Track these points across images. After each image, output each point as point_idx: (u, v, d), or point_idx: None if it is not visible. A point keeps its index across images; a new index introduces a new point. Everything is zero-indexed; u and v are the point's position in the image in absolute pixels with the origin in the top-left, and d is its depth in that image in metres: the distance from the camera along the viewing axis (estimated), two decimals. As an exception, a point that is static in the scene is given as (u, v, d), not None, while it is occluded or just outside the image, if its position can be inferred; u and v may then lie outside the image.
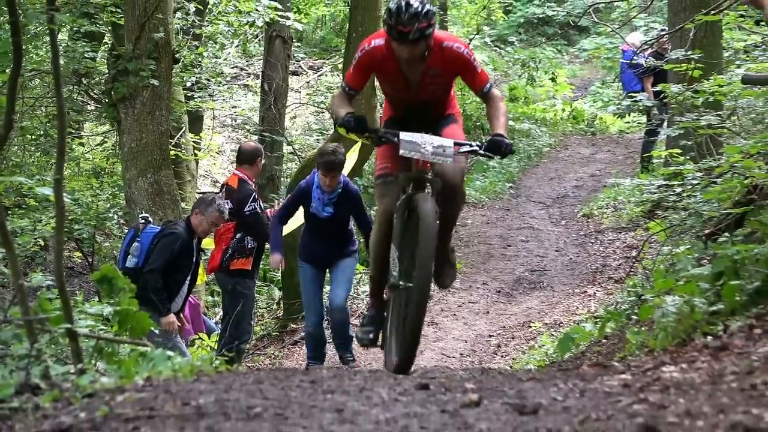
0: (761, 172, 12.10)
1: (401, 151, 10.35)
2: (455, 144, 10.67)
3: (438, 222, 10.69)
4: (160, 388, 8.85)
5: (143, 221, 17.05)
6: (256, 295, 19.36)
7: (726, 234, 12.32)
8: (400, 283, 10.58)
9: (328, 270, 17.03)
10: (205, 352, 12.40)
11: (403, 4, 10.16)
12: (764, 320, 10.02)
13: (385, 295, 11.78)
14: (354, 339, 16.39)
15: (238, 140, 31.97)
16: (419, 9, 10.25)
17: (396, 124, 11.32)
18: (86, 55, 24.12)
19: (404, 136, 10.37)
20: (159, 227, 16.49)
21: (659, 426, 6.50)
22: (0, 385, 8.76)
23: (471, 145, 11.13)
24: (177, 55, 21.22)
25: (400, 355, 10.58)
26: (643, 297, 12.60)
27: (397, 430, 6.74)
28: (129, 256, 16.03)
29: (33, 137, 24.56)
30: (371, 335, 11.43)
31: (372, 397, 8.32)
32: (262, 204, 18.02)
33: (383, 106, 12.33)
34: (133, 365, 10.42)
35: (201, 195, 19.64)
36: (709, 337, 10.06)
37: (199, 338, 16.15)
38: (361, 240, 17.80)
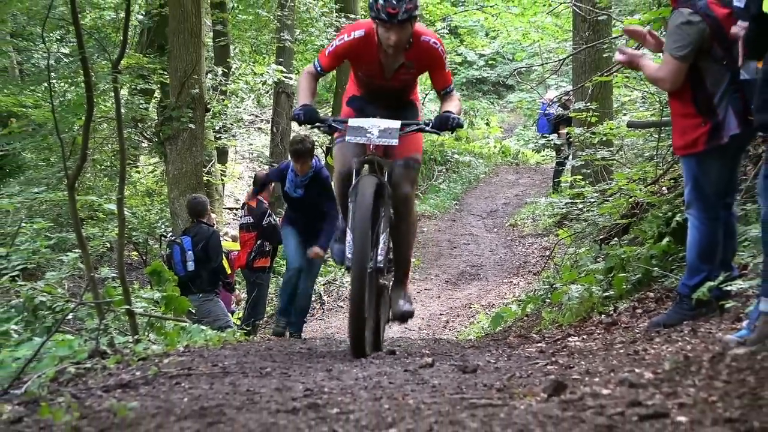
0: (641, 193, 12.13)
1: (347, 138, 8.96)
2: (402, 125, 9.08)
3: (385, 204, 9.25)
4: (196, 353, 9.04)
5: (171, 236, 17.21)
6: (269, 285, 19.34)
7: (615, 239, 12.33)
8: (350, 264, 9.01)
9: (305, 238, 15.51)
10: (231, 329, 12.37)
11: None
12: (644, 303, 10.10)
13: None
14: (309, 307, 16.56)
15: (253, 169, 31.79)
16: None
17: (359, 101, 9.84)
18: (141, 106, 24.10)
19: (352, 122, 8.98)
20: (192, 233, 16.44)
21: (566, 381, 6.50)
22: (77, 351, 8.88)
23: (418, 124, 9.44)
24: (208, 106, 21.19)
25: (348, 336, 9.15)
26: (554, 285, 12.61)
27: (372, 384, 6.95)
28: (188, 263, 16.06)
29: (101, 167, 24.45)
30: (340, 255, 9.75)
31: (353, 360, 9.04)
32: (274, 217, 17.98)
33: (348, 83, 10.50)
34: (175, 336, 10.57)
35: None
36: (603, 316, 10.18)
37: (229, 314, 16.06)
38: None
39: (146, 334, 10.73)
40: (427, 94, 26.89)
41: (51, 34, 19.30)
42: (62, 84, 21.00)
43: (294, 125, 33.83)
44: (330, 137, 10.84)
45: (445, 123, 9.10)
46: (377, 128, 8.74)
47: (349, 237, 9.10)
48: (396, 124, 8.85)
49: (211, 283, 16.84)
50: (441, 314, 21.88)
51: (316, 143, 20.43)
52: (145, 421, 5.51)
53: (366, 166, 9.22)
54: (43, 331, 9.99)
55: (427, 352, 9.55)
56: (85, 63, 12.51)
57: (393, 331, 18.37)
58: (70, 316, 11.18)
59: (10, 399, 6.74)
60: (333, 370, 7.67)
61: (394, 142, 8.80)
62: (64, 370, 7.93)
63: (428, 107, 31.04)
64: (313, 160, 15.32)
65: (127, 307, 10.94)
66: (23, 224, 16.28)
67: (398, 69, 9.35)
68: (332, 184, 10.56)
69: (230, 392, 6.53)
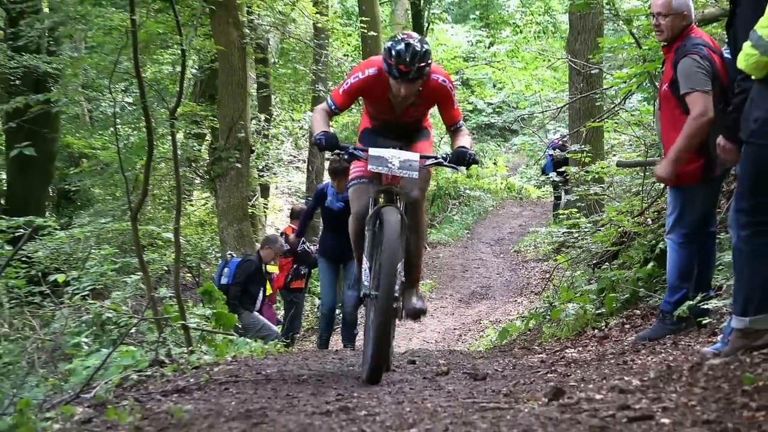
0: (628, 223, 12.11)
1: (369, 167, 7.97)
2: (421, 157, 8.13)
3: (403, 235, 8.04)
4: (242, 362, 9.04)
5: (230, 256, 17.25)
6: (304, 303, 19.30)
7: (606, 263, 12.33)
8: (372, 292, 7.97)
9: (342, 266, 14.93)
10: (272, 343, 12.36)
11: (404, 45, 7.77)
12: (632, 319, 10.08)
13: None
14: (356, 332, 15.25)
15: (291, 203, 31.85)
16: (419, 50, 7.80)
17: (373, 134, 8.84)
18: (194, 148, 24.21)
19: (373, 152, 7.96)
20: (240, 258, 16.57)
21: (564, 388, 6.50)
22: (139, 360, 8.94)
23: (436, 158, 8.41)
24: (252, 148, 21.26)
25: (369, 363, 7.66)
26: (553, 304, 12.54)
27: (395, 390, 7.22)
28: (222, 277, 16.19)
29: (160, 200, 24.52)
30: (356, 300, 8.99)
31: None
32: (308, 244, 17.95)
33: (362, 116, 9.52)
34: (224, 348, 10.55)
35: (266, 236, 19.53)
36: (596, 330, 10.17)
37: None
38: None
39: (199, 345, 10.74)
40: (442, 138, 26.91)
41: (117, 86, 19.34)
42: (126, 129, 21.09)
43: (326, 165, 34.36)
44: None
45: (462, 158, 8.16)
46: (398, 159, 7.80)
47: (365, 265, 8.26)
48: (415, 156, 7.92)
49: (233, 299, 16.62)
50: (455, 329, 21.83)
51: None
52: (198, 422, 5.56)
53: (382, 195, 8.21)
54: (109, 343, 10.01)
55: (443, 362, 9.52)
56: (146, 111, 12.57)
57: (412, 343, 18.38)
58: (133, 330, 11.19)
59: (81, 402, 6.77)
60: (362, 378, 7.70)
61: (415, 174, 7.84)
62: (128, 377, 7.97)
63: (443, 148, 31.08)
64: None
65: (183, 322, 10.96)
66: (92, 250, 16.31)
67: (408, 107, 8.43)
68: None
69: (272, 397, 6.59)
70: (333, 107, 8.37)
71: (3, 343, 10.90)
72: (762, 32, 6.04)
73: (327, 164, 16.60)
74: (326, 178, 32.14)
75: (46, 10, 23.03)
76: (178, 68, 15.33)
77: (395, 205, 7.99)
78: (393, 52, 7.70)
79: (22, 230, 13.25)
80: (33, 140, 23.06)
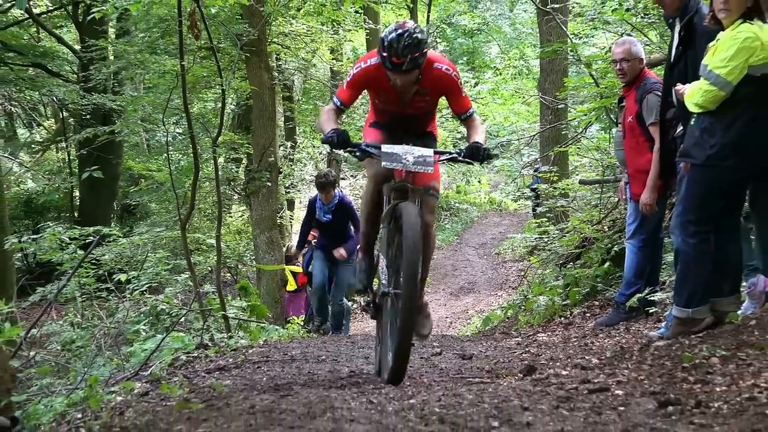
0: (589, 230, 12.09)
1: (383, 163, 6.59)
2: (435, 152, 6.80)
3: (422, 232, 6.51)
4: (272, 345, 9.05)
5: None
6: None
7: (571, 263, 12.32)
8: (390, 290, 6.69)
9: (333, 268, 14.23)
10: (296, 326, 12.26)
11: (396, 36, 6.50)
12: (591, 309, 10.09)
13: (375, 252, 7.51)
14: (347, 309, 14.69)
15: None
16: (412, 41, 6.50)
17: (379, 128, 7.33)
18: (233, 170, 24.17)
19: (385, 148, 6.65)
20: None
21: (536, 365, 6.49)
22: (187, 344, 9.02)
23: (450, 153, 7.06)
24: (281, 169, 21.24)
25: (393, 363, 6.29)
26: (527, 296, 12.54)
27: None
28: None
29: (204, 213, 24.50)
30: (362, 284, 7.46)
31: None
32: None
33: (368, 112, 8.02)
34: (257, 334, 10.59)
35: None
36: (562, 318, 10.15)
37: (295, 318, 15.87)
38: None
39: (236, 332, 10.76)
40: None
41: (169, 119, 19.34)
42: (177, 154, 21.07)
43: (343, 185, 33.78)
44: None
45: (476, 153, 6.75)
46: (411, 155, 6.45)
47: (382, 262, 6.83)
48: (429, 151, 6.59)
49: None
50: (446, 317, 21.86)
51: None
52: (235, 395, 5.56)
53: (394, 192, 6.79)
54: (163, 330, 10.01)
55: (436, 344, 9.51)
56: (193, 140, 12.59)
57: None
58: (182, 320, 11.21)
59: (139, 378, 6.78)
60: (369, 357, 7.68)
61: (430, 169, 6.53)
62: (178, 358, 7.99)
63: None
64: (336, 191, 14.19)
65: (223, 312, 10.99)
66: (149, 254, 16.30)
67: (413, 97, 6.92)
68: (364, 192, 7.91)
69: (296, 373, 6.58)
70: (339, 104, 6.91)
71: (76, 330, 10.93)
72: (719, 71, 6.05)
73: (315, 178, 15.53)
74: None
75: (112, 57, 23.07)
76: (219, 105, 15.30)
77: (412, 201, 6.49)
78: (386, 43, 6.39)
79: (91, 238, 13.25)
80: (100, 164, 23.12)
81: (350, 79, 6.79)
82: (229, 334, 10.49)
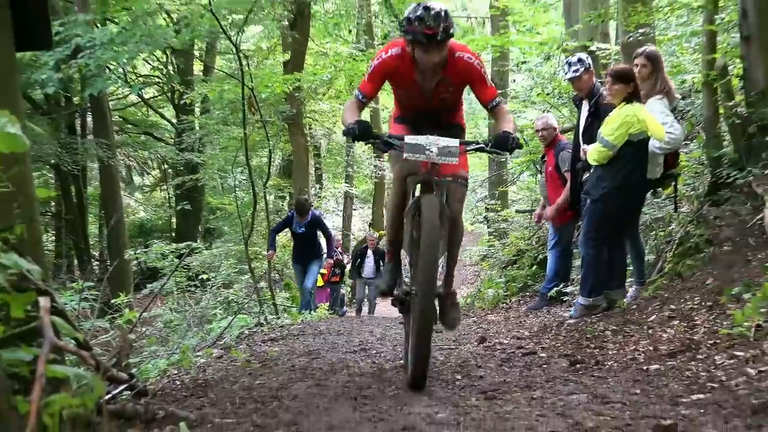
0: (522, 245, 12.08)
1: (405, 155, 4.55)
2: (461, 143, 4.67)
3: (444, 228, 4.66)
4: (306, 324, 9.00)
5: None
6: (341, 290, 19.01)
7: (510, 266, 12.28)
8: (413, 288, 4.60)
9: (306, 267, 12.21)
10: (322, 310, 12.22)
11: (423, 9, 4.49)
12: (524, 298, 10.00)
13: (402, 255, 5.10)
14: (314, 304, 12.49)
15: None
16: (440, 10, 4.49)
17: (405, 122, 5.14)
18: (279, 204, 24.18)
19: (408, 139, 4.59)
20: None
21: (487, 336, 6.46)
22: (248, 323, 8.84)
23: (477, 143, 4.83)
24: (312, 204, 21.22)
25: (411, 367, 4.26)
26: (480, 289, 12.46)
27: (392, 339, 6.99)
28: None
29: (261, 233, 24.53)
30: (386, 285, 5.23)
31: (381, 324, 8.79)
32: (342, 256, 17.78)
33: (393, 107, 5.67)
34: (297, 316, 10.45)
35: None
36: (504, 304, 10.04)
37: (321, 305, 15.81)
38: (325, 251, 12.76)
39: (282, 314, 10.75)
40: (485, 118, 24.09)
41: (236, 169, 19.37)
42: (241, 193, 21.11)
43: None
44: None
45: (504, 142, 4.56)
46: (436, 146, 4.44)
47: (406, 260, 4.90)
48: (455, 142, 4.51)
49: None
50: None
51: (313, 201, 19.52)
52: (282, 357, 5.55)
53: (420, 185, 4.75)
54: (232, 313, 10.01)
55: None
56: (252, 183, 12.65)
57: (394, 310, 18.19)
58: (245, 306, 11.22)
59: (216, 347, 6.77)
60: (374, 332, 7.65)
61: (455, 160, 4.47)
62: (242, 333, 7.96)
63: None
64: (311, 211, 12.41)
65: (273, 301, 11.00)
66: (222, 261, 16.28)
67: (436, 87, 4.80)
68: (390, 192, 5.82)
69: (323, 343, 6.56)
70: (361, 97, 4.78)
71: (173, 313, 10.96)
72: (608, 138, 6.15)
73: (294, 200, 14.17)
74: (354, 225, 31.92)
75: (197, 127, 23.15)
76: (269, 159, 15.35)
77: (436, 194, 4.53)
78: (414, 18, 4.36)
79: (184, 250, 13.28)
80: (190, 200, 23.24)
81: (371, 70, 4.76)
82: (277, 316, 10.50)
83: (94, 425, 2.22)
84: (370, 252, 16.70)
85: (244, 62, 13.20)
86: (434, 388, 4.11)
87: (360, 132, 4.30)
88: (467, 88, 4.91)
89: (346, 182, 29.53)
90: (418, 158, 4.30)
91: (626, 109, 6.18)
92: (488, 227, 23.79)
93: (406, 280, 4.68)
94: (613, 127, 6.19)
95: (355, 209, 31.59)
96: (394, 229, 4.89)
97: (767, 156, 6.49)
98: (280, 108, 18.69)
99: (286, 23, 18.26)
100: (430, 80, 4.64)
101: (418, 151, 4.29)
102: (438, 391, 4.01)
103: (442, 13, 4.26)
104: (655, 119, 6.16)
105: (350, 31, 24.36)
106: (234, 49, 13.93)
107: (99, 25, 14.84)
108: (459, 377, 4.41)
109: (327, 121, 26.79)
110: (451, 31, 4.34)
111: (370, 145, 4.52)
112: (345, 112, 4.59)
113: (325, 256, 12.61)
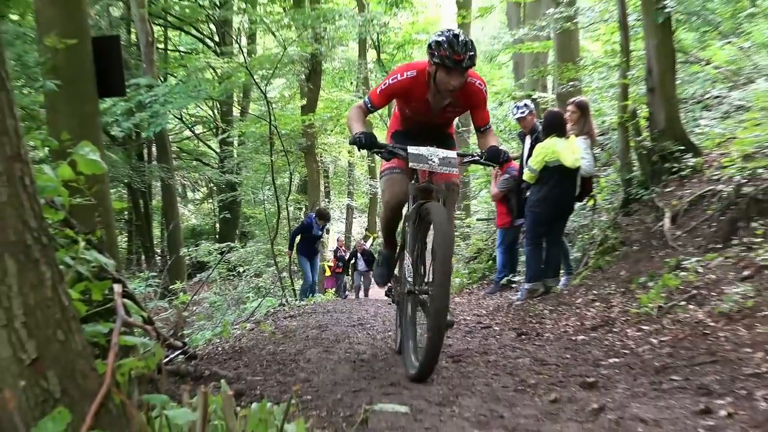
0: (481, 244, 12.04)
1: (410, 164, 3.68)
2: (458, 155, 3.85)
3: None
4: (318, 304, 8.86)
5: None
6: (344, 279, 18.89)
7: (472, 261, 12.21)
8: (416, 288, 3.64)
9: (312, 260, 11.78)
10: (330, 294, 12.19)
11: (452, 35, 3.65)
12: (482, 285, 9.92)
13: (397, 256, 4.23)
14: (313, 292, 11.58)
15: (336, 239, 31.48)
16: (467, 39, 3.68)
17: (402, 137, 4.18)
18: (297, 213, 24.06)
19: (412, 149, 3.70)
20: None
21: (453, 314, 6.41)
22: (274, 303, 8.71)
23: (473, 155, 3.97)
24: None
25: (422, 362, 3.18)
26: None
27: (382, 315, 6.47)
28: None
29: (283, 236, 24.45)
30: (381, 278, 4.37)
31: (374, 305, 8.28)
32: (344, 253, 17.71)
33: (391, 119, 4.57)
34: (311, 299, 10.29)
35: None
36: (467, 290, 9.96)
37: (329, 290, 15.69)
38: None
39: (303, 299, 10.71)
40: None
41: (264, 187, 19.31)
42: (268, 205, 21.02)
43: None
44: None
45: (497, 155, 3.82)
46: (437, 156, 3.67)
47: (407, 260, 3.83)
48: (453, 153, 3.75)
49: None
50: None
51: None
52: (299, 330, 5.53)
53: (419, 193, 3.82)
54: (261, 296, 9.96)
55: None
56: (277, 198, 12.60)
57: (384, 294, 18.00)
58: (271, 290, 11.15)
59: (249, 321, 6.73)
60: (368, 311, 7.57)
61: (455, 170, 3.72)
62: (269, 311, 7.91)
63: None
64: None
65: (292, 287, 10.91)
66: (254, 257, 16.21)
67: (444, 108, 3.97)
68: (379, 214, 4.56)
69: (330, 319, 6.50)
70: (369, 105, 3.89)
71: (217, 296, 10.88)
72: (532, 164, 6.26)
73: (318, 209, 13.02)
74: (354, 230, 31.64)
75: (235, 154, 23.05)
76: (289, 180, 15.31)
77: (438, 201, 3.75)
78: (445, 43, 3.58)
79: (225, 248, 13.22)
80: (229, 210, 23.14)
81: (385, 87, 3.82)
82: (295, 298, 10.44)
83: (155, 382, 2.21)
84: (359, 254, 16.87)
85: (270, 106, 13.24)
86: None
87: (366, 142, 3.60)
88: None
89: (348, 197, 29.45)
90: (422, 167, 3.58)
91: (546, 143, 6.28)
92: (455, 231, 23.71)
93: (409, 279, 3.66)
94: (535, 156, 6.34)
95: (355, 217, 31.40)
96: (387, 237, 4.13)
97: (666, 178, 6.54)
98: (298, 141, 18.71)
99: (303, 77, 18.33)
100: (441, 101, 3.83)
101: (421, 160, 3.57)
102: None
103: (470, 43, 3.59)
104: (569, 151, 6.21)
105: (352, 83, 24.53)
106: (263, 96, 13.97)
107: (162, 78, 14.94)
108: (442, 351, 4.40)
109: (334, 151, 26.77)
110: (475, 60, 3.62)
111: (374, 153, 3.71)
112: (351, 119, 3.79)
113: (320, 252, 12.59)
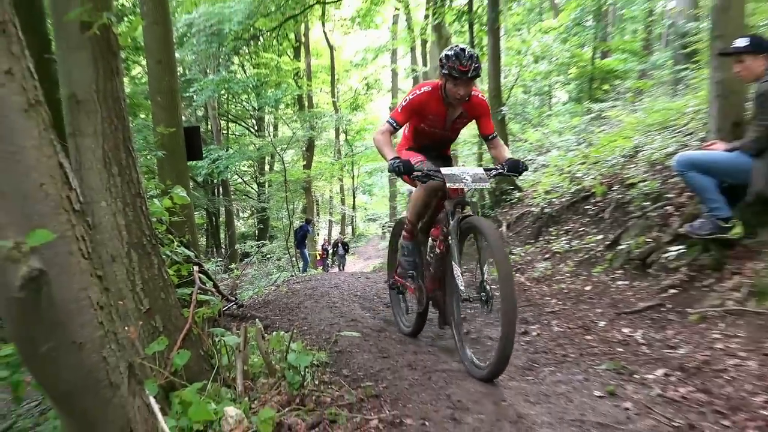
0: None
1: (448, 184, 2.23)
2: (485, 170, 2.31)
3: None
4: (312, 276, 7.63)
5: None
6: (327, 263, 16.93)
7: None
8: (471, 296, 2.14)
9: (302, 251, 11.14)
10: (320, 271, 11.87)
11: (459, 49, 2.39)
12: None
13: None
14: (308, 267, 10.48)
15: (324, 238, 28.00)
16: (473, 53, 2.38)
17: (416, 152, 2.65)
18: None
19: (445, 170, 2.26)
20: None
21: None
22: (287, 276, 7.97)
23: (497, 169, 2.33)
24: (315, 220, 20.50)
25: (496, 362, 1.89)
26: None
27: (380, 291, 4.67)
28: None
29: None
30: (411, 266, 2.73)
31: (347, 277, 6.56)
32: (327, 246, 16.93)
33: (403, 136, 2.69)
34: (318, 272, 9.46)
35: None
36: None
37: (318, 268, 15.12)
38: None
39: (304, 272, 10.59)
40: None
41: (282, 210, 19.21)
42: (285, 221, 20.67)
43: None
44: None
45: (517, 166, 2.37)
46: (468, 174, 2.29)
47: (456, 270, 2.25)
48: (481, 170, 2.35)
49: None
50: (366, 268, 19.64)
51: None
52: (301, 290, 5.10)
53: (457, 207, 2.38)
54: (279, 272, 9.87)
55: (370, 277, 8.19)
56: (289, 215, 12.51)
57: (356, 268, 14.59)
58: (285, 267, 11.00)
59: (273, 285, 6.30)
60: (344, 280, 6.37)
61: (487, 185, 2.30)
62: (285, 280, 7.45)
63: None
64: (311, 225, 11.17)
65: (298, 266, 10.70)
66: (276, 249, 16.11)
67: (456, 119, 2.63)
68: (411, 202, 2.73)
69: (319, 284, 5.77)
70: (395, 124, 2.54)
71: (255, 271, 10.61)
72: None
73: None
74: (332, 233, 28.15)
75: (267, 191, 22.24)
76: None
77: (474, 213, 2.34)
78: (452, 56, 2.45)
79: (260, 244, 13.07)
80: (263, 223, 22.55)
81: (405, 103, 2.60)
82: (302, 273, 10.48)
83: (218, 321, 2.29)
84: (340, 244, 16.36)
85: (284, 165, 14.21)
86: (371, 303, 3.95)
87: (404, 169, 2.36)
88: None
89: (329, 215, 28.98)
90: (458, 186, 2.40)
91: None
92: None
93: (461, 288, 2.29)
94: None
95: (333, 227, 29.26)
96: (411, 230, 2.77)
97: (503, 204, 6.14)
98: (301, 184, 19.22)
99: (304, 149, 18.87)
100: (453, 113, 2.68)
101: (456, 180, 2.39)
102: (367, 304, 3.95)
103: (475, 56, 2.52)
104: None
105: (331, 153, 24.54)
106: (281, 160, 15.65)
107: (225, 149, 16.66)
108: (378, 300, 4.25)
109: (323, 188, 27.17)
110: (479, 71, 2.54)
111: (413, 178, 2.51)
112: (382, 145, 2.55)
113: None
